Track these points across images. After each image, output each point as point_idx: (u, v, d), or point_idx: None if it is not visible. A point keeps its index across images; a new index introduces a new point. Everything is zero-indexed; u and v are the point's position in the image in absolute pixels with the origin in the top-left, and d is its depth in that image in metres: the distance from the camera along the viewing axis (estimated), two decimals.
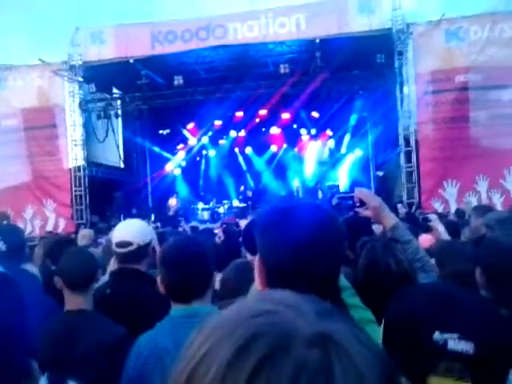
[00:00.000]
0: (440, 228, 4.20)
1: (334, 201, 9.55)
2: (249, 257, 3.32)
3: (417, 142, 11.94)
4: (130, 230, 2.54)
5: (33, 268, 2.99)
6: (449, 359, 1.10)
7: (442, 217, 5.99)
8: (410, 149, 12.03)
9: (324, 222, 1.15)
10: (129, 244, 2.45)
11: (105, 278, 3.09)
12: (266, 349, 0.48)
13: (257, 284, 1.37)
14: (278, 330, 0.50)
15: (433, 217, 4.49)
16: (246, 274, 2.14)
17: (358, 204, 2.17)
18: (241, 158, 20.16)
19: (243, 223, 7.48)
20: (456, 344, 1.12)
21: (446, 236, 4.12)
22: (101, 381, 1.95)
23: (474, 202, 11.02)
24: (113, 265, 3.05)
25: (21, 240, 2.75)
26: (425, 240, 3.96)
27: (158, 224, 12.69)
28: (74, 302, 2.15)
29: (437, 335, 1.23)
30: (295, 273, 1.09)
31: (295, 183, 18.68)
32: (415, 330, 1.13)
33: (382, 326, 1.34)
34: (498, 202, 11.15)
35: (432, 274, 2.04)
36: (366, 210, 2.16)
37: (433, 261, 2.52)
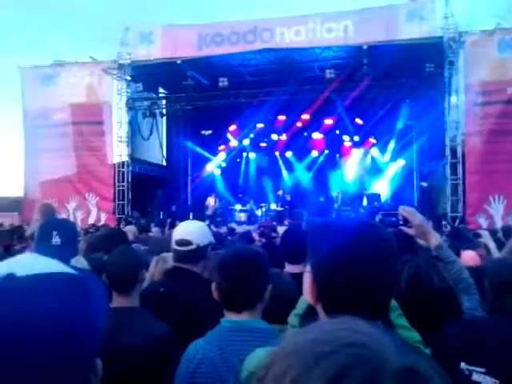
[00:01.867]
0: (491, 245, 4.07)
1: (378, 217, 9.43)
2: (287, 266, 3.28)
3: (463, 153, 11.61)
4: (191, 230, 2.57)
5: (84, 261, 3.06)
6: None
7: (492, 234, 5.81)
8: (456, 160, 11.72)
9: (379, 240, 1.14)
10: (189, 243, 2.48)
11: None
12: (357, 383, 0.48)
13: (307, 298, 1.38)
14: (368, 364, 0.49)
15: (484, 233, 4.35)
16: (280, 288, 2.16)
17: (401, 222, 2.16)
18: (281, 162, 20.14)
19: (281, 229, 7.43)
20: (479, 376, 1.12)
21: (496, 254, 3.99)
22: (145, 377, 1.99)
23: None
24: (155, 266, 3.08)
25: (74, 233, 2.81)
26: (468, 257, 3.84)
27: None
28: (119, 300, 2.19)
29: (463, 365, 1.27)
30: (349, 291, 1.08)
31: (335, 190, 18.50)
32: (445, 358, 1.14)
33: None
34: None
35: (475, 297, 2.01)
36: (410, 229, 2.15)
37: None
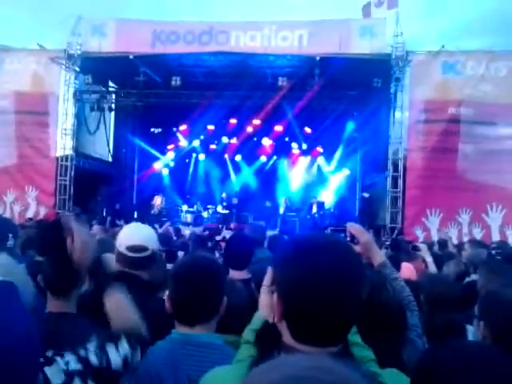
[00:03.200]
0: (428, 259, 4.25)
1: (327, 232, 9.57)
2: (231, 272, 3.29)
3: (405, 168, 12.07)
4: (145, 234, 2.46)
5: (8, 258, 2.90)
6: None
7: (429, 247, 6.07)
8: (397, 174, 12.17)
9: (351, 261, 1.11)
10: (144, 249, 2.37)
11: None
12: None
13: (264, 313, 1.37)
14: None
15: (423, 246, 4.54)
16: (237, 297, 2.12)
17: (349, 238, 2.22)
18: (230, 165, 20.16)
19: (227, 234, 7.41)
20: None
21: (433, 268, 4.18)
22: None
23: (455, 234, 11.18)
24: None
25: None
26: (407, 270, 4.00)
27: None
28: (55, 305, 2.08)
29: None
30: (319, 314, 1.04)
31: (281, 196, 18.74)
32: None
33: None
34: (478, 236, 11.31)
35: (416, 313, 2.08)
36: (357, 246, 2.21)
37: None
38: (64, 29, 13.34)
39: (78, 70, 13.54)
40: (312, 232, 1.24)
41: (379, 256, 2.17)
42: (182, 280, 1.78)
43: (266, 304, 1.40)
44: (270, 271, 1.38)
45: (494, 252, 4.97)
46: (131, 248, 2.37)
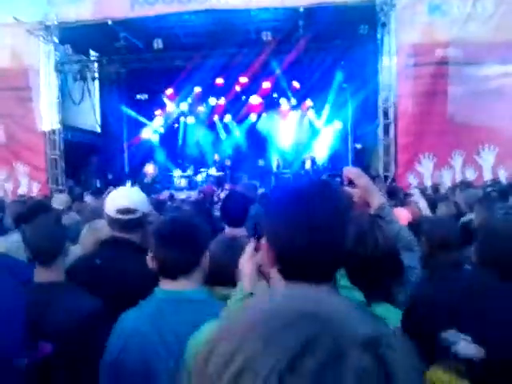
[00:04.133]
0: (422, 204, 4.30)
1: (323, 177, 9.57)
2: (227, 229, 3.38)
3: (396, 114, 12.01)
4: (135, 197, 2.48)
5: None
6: (456, 360, 1.13)
7: (421, 192, 6.13)
8: (388, 122, 12.11)
9: (338, 206, 1.14)
10: (133, 211, 2.39)
11: (76, 248, 2.95)
12: (322, 357, 0.46)
13: (247, 285, 1.38)
14: (331, 336, 0.47)
15: (415, 191, 4.59)
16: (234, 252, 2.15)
17: (346, 183, 2.20)
18: (220, 126, 19.99)
19: (222, 195, 7.45)
20: (466, 348, 1.13)
21: (427, 212, 4.23)
22: (72, 353, 1.89)
23: (448, 177, 11.27)
24: (85, 234, 2.96)
25: None
26: (401, 215, 4.05)
27: None
28: (42, 274, 2.09)
29: (447, 335, 1.24)
30: (308, 258, 1.09)
31: (273, 153, 18.71)
32: (432, 320, 1.15)
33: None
34: (471, 178, 11.41)
35: (416, 254, 2.09)
36: (355, 189, 2.20)
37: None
38: None
39: (56, 41, 13.14)
40: (300, 180, 1.26)
41: (378, 198, 2.19)
42: (161, 236, 1.84)
43: (249, 273, 1.40)
44: (251, 242, 1.42)
45: (489, 189, 5.03)
46: (120, 210, 2.39)
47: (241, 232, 3.25)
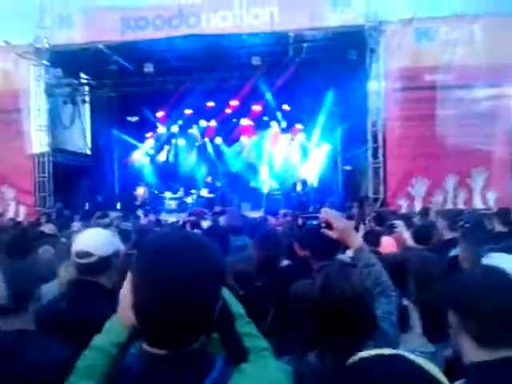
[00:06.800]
0: (405, 235, 4.30)
1: (300, 221, 9.53)
2: None
3: (384, 138, 12.09)
4: (92, 240, 2.41)
5: None
6: None
7: (406, 218, 6.11)
8: (377, 145, 12.18)
9: (200, 264, 1.06)
10: (89, 255, 2.33)
11: (54, 284, 2.92)
12: None
13: (127, 322, 1.25)
14: None
15: (399, 224, 4.58)
16: None
17: (323, 225, 2.18)
18: (210, 148, 20.03)
19: (205, 224, 7.31)
20: None
21: (411, 242, 4.22)
22: None
23: (439, 201, 11.29)
24: (64, 271, 2.90)
25: None
26: (387, 244, 4.02)
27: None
28: (9, 323, 1.91)
29: None
30: (162, 318, 1.03)
31: (264, 175, 18.73)
32: None
33: None
34: (462, 201, 11.47)
35: (393, 299, 2.05)
36: (333, 232, 2.18)
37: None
38: (29, 22, 12.92)
39: (47, 64, 13.19)
40: (170, 231, 1.17)
41: (356, 241, 2.16)
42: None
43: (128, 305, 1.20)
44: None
45: (461, 223, 5.06)
46: (77, 254, 2.36)
47: None
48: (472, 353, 1.49)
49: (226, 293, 1.46)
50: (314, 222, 1.84)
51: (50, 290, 2.63)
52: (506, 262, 1.99)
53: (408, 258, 3.02)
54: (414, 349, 2.59)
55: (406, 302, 2.64)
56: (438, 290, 2.49)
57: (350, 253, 2.75)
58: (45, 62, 13.08)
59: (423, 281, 2.68)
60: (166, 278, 1.02)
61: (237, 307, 1.45)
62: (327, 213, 2.21)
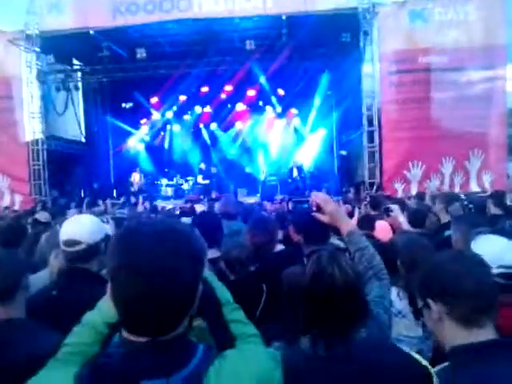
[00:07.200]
0: (400, 219, 4.29)
1: (290, 204, 9.51)
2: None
3: (379, 121, 12.04)
4: (79, 228, 2.39)
5: None
6: None
7: (401, 202, 6.11)
8: (372, 129, 12.15)
9: (173, 252, 1.05)
10: (77, 243, 2.32)
11: (45, 273, 2.91)
12: None
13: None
14: None
15: (394, 207, 4.57)
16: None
17: (314, 208, 2.15)
18: (206, 134, 19.94)
19: (199, 208, 7.28)
20: None
21: (407, 226, 4.22)
22: None
23: (435, 185, 11.27)
24: (54, 259, 2.89)
25: None
26: (381, 229, 4.01)
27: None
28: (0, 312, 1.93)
29: None
30: (137, 305, 1.03)
31: (260, 161, 18.70)
32: None
33: None
34: (458, 184, 11.47)
35: (385, 282, 2.04)
36: (323, 215, 2.15)
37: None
38: (19, 8, 12.73)
39: (38, 50, 13.01)
40: (144, 219, 1.16)
41: (347, 224, 2.14)
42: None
43: None
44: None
45: (465, 203, 5.04)
46: (65, 242, 2.35)
47: (210, 254, 3.18)
48: (458, 336, 1.49)
49: (212, 279, 1.45)
50: (306, 206, 1.83)
51: (40, 278, 2.62)
52: (492, 243, 1.99)
53: (398, 243, 3.02)
54: (403, 333, 2.62)
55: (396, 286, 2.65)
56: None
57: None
58: (36, 48, 12.91)
59: (410, 265, 2.68)
60: (142, 264, 1.01)
61: (224, 294, 1.44)
62: (317, 196, 2.19)
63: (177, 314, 1.07)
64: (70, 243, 2.32)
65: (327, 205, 2.14)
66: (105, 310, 1.34)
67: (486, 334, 1.47)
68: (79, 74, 15.32)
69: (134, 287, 1.01)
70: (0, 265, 1.97)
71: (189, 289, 1.07)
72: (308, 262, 1.89)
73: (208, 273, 1.46)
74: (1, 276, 1.93)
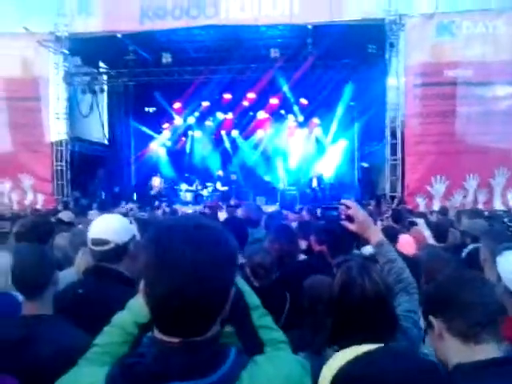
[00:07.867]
0: (426, 232, 4.21)
1: (319, 211, 9.38)
2: None
3: (403, 134, 11.91)
4: (108, 227, 2.36)
5: None
6: None
7: (423, 216, 6.01)
8: (395, 141, 12.02)
9: (209, 249, 1.02)
10: (106, 242, 2.29)
11: (70, 271, 2.92)
12: None
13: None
14: None
15: (420, 221, 4.49)
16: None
17: (343, 217, 2.10)
18: (227, 141, 19.99)
19: (221, 216, 7.27)
20: None
21: (431, 240, 4.13)
22: None
23: (458, 202, 11.04)
24: (81, 258, 2.89)
25: None
26: (405, 243, 3.93)
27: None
28: (28, 307, 1.95)
29: None
30: (170, 304, 0.99)
31: (280, 170, 18.63)
32: None
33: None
34: (482, 202, 11.23)
35: (415, 297, 1.99)
36: (352, 225, 2.11)
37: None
38: (49, 10, 12.95)
39: (66, 52, 13.23)
40: (178, 217, 1.12)
41: (376, 235, 2.09)
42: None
43: None
44: None
45: (506, 220, 4.91)
46: (94, 241, 2.32)
47: (239, 259, 3.16)
48: (458, 352, 1.44)
49: (241, 283, 1.42)
50: (334, 213, 1.79)
51: (65, 277, 2.62)
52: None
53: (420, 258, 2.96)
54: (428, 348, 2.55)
55: None
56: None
57: (369, 248, 2.67)
58: (64, 50, 13.12)
59: (430, 279, 2.62)
60: (178, 263, 0.98)
61: (253, 298, 1.41)
62: (347, 204, 2.14)
63: (210, 314, 1.05)
64: (99, 242, 2.30)
65: (357, 214, 2.09)
66: (135, 309, 1.34)
67: (486, 350, 1.41)
68: (105, 76, 15.54)
69: (168, 285, 0.98)
70: (32, 261, 1.98)
71: (223, 289, 1.05)
72: (337, 271, 1.85)
73: (237, 277, 1.43)
74: (32, 272, 1.95)
